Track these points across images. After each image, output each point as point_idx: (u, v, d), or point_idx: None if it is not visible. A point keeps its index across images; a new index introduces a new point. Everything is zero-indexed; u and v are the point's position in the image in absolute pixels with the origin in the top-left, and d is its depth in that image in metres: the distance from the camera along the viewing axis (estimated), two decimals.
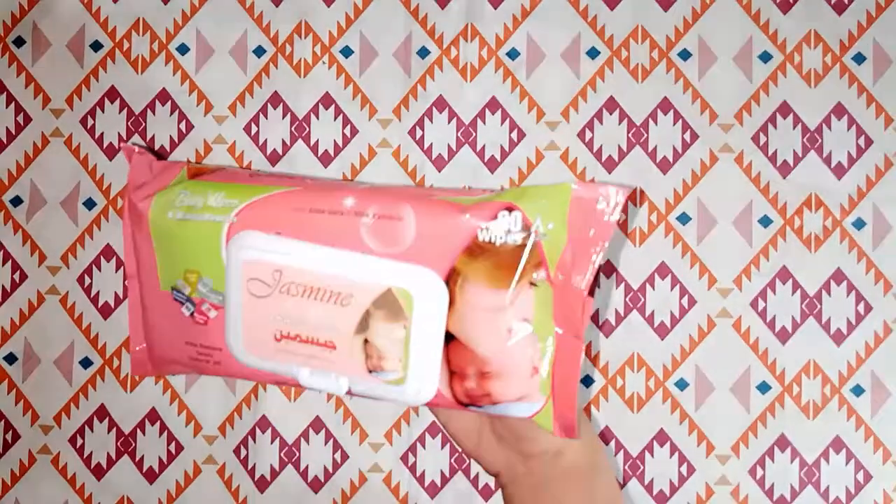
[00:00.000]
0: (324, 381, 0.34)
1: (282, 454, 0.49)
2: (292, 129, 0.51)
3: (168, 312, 0.37)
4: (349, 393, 0.35)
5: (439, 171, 0.50)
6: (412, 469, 0.49)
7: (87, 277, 0.51)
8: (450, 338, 0.32)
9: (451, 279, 0.31)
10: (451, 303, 0.32)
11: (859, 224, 0.49)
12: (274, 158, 0.51)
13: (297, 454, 0.49)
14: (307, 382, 0.34)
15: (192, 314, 0.36)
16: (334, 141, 0.51)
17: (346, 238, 0.32)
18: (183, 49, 0.51)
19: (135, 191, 0.38)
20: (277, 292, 0.33)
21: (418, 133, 0.50)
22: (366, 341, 0.33)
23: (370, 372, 0.33)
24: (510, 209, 0.31)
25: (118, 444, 0.50)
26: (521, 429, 0.35)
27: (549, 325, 0.32)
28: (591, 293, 0.34)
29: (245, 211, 0.34)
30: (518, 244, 0.31)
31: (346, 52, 0.51)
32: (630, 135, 0.50)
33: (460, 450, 0.39)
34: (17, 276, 0.51)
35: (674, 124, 0.50)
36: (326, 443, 0.49)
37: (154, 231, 0.36)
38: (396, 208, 0.32)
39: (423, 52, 0.51)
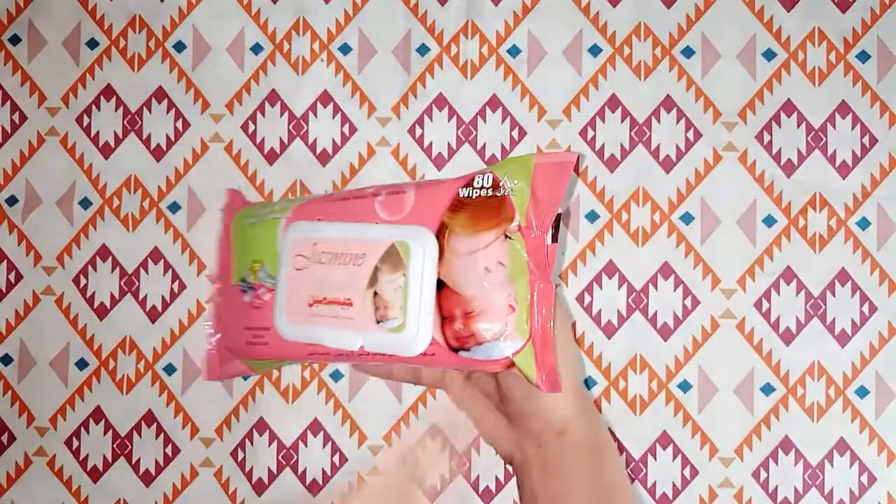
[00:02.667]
0: (342, 339, 0.39)
1: (280, 457, 0.49)
2: (290, 127, 0.50)
3: (236, 302, 0.43)
4: (360, 354, 0.39)
5: (439, 170, 0.50)
6: None
7: (82, 278, 0.50)
8: (441, 287, 0.38)
9: (440, 234, 0.38)
10: (441, 254, 0.38)
11: (864, 224, 0.49)
12: (271, 157, 0.50)
13: (295, 457, 0.49)
14: (329, 342, 0.40)
15: (252, 300, 0.42)
16: (333, 139, 0.50)
17: (365, 214, 0.40)
18: (179, 46, 0.51)
19: (230, 214, 0.46)
20: (314, 263, 0.40)
21: (418, 131, 0.50)
22: (375, 294, 0.39)
23: (378, 322, 0.38)
24: (483, 173, 0.39)
25: (114, 446, 0.50)
26: (524, 404, 0.38)
27: (522, 270, 0.37)
28: (555, 240, 0.39)
29: (297, 208, 0.42)
30: (489, 196, 0.38)
31: (345, 49, 0.50)
32: (632, 133, 0.49)
33: (479, 435, 0.42)
34: (12, 277, 0.50)
35: (677, 123, 0.49)
36: (325, 445, 0.49)
37: (234, 235, 0.44)
38: (402, 186, 0.40)
39: (423, 50, 0.50)
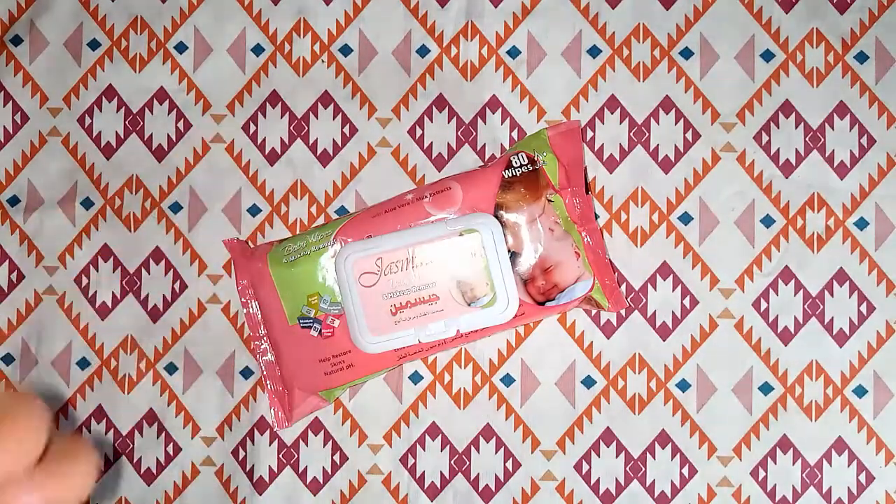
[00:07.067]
0: (437, 331, 0.44)
1: (280, 455, 0.49)
2: (291, 128, 0.50)
3: (300, 341, 0.45)
4: (457, 338, 0.44)
5: (439, 171, 0.50)
6: (412, 471, 0.49)
7: (84, 277, 0.50)
8: (514, 255, 0.44)
9: (498, 212, 0.44)
10: (506, 228, 0.43)
11: (862, 224, 0.49)
12: (272, 158, 0.50)
13: (296, 455, 0.49)
14: (427, 337, 0.44)
15: (319, 332, 0.45)
16: (333, 140, 0.50)
17: (417, 217, 0.44)
18: (181, 47, 0.51)
19: (245, 264, 0.47)
20: (383, 275, 0.43)
21: (418, 132, 0.50)
22: (458, 282, 0.44)
23: (469, 304, 0.44)
24: (516, 153, 0.44)
25: (116, 445, 0.50)
26: None
27: (570, 223, 0.45)
28: (587, 192, 0.46)
29: (338, 233, 0.44)
30: (530, 171, 0.44)
31: (346, 50, 0.51)
32: (631, 134, 0.50)
33: None
34: (13, 276, 0.51)
35: (675, 123, 0.49)
36: (325, 444, 0.49)
37: (275, 278, 0.45)
38: (444, 184, 0.45)
39: (423, 51, 0.50)
